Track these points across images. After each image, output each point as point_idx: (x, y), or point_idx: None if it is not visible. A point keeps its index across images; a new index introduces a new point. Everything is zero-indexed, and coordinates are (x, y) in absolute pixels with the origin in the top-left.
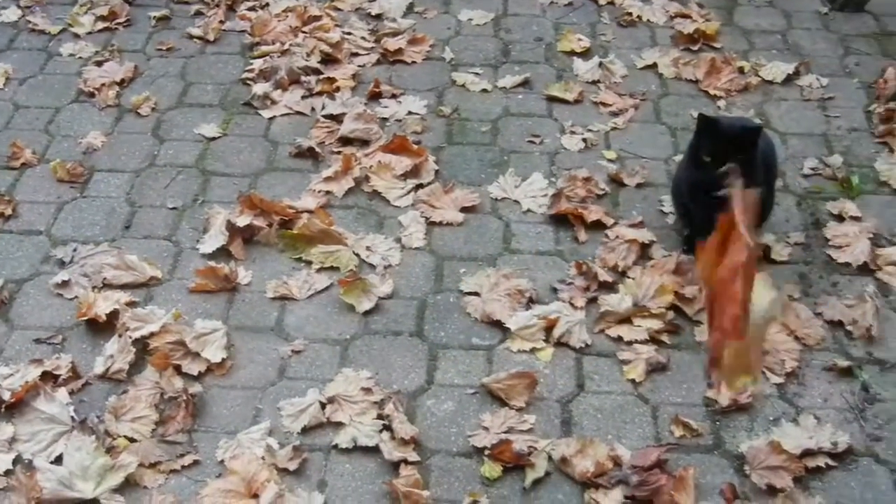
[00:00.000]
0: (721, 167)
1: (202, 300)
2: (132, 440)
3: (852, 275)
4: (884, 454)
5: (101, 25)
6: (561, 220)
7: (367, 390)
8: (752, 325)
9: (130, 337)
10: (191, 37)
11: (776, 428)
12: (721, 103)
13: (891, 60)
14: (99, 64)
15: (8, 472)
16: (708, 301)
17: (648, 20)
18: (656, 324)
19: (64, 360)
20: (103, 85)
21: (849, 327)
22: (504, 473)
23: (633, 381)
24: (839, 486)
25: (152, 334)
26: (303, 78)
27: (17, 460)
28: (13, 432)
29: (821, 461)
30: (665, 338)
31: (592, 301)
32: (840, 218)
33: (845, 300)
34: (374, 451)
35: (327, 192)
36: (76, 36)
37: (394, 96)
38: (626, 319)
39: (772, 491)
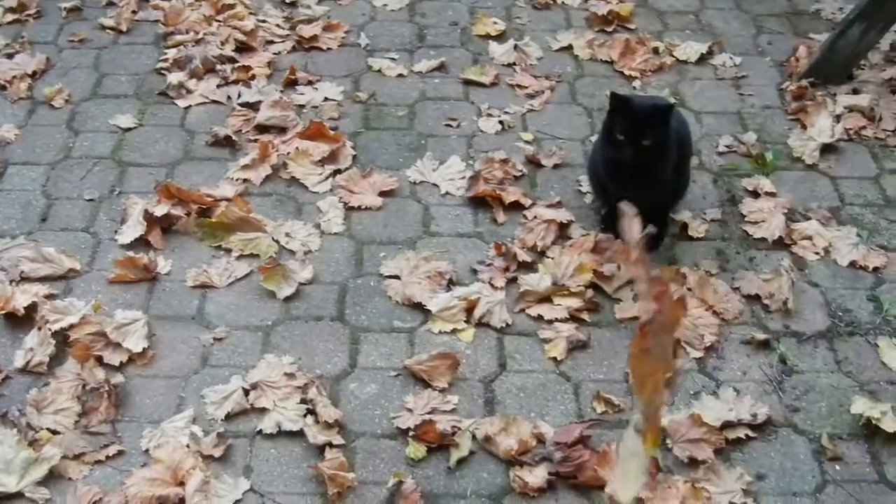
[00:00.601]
0: (635, 145)
1: (122, 291)
2: (55, 432)
3: (768, 249)
4: (802, 424)
5: (10, 17)
6: (479, 202)
7: (290, 375)
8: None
9: (50, 329)
10: (103, 27)
11: (696, 401)
12: (636, 83)
13: (802, 39)
14: (9, 56)
15: None
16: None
17: (563, 2)
18: (576, 302)
19: None
20: (15, 77)
21: (766, 301)
22: (429, 454)
23: (554, 359)
24: (759, 457)
25: (72, 326)
26: (218, 67)
27: None
28: None
29: (741, 433)
30: (585, 316)
31: (512, 281)
32: (755, 194)
33: (762, 274)
34: (299, 435)
35: (245, 180)
36: None
37: (310, 83)
38: (546, 298)
39: (693, 463)
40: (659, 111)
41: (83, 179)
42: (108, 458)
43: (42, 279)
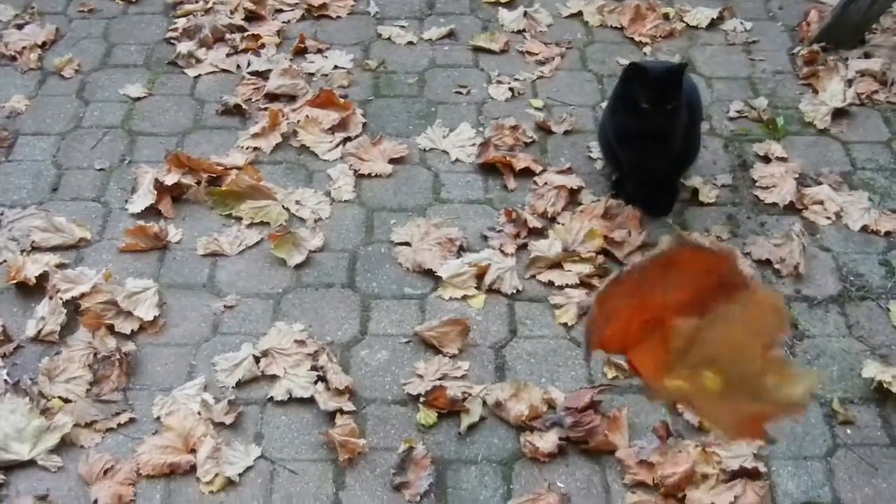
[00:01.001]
0: (660, 111)
1: (133, 259)
2: (67, 401)
3: (779, 214)
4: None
5: None
6: (490, 169)
7: (301, 343)
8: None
9: (61, 299)
10: None
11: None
12: (647, 50)
13: (814, 3)
14: (19, 27)
15: None
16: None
17: None
18: (586, 268)
19: None
20: (25, 48)
21: (777, 266)
22: (439, 420)
23: (565, 324)
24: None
25: (83, 295)
26: (227, 35)
27: None
28: None
29: None
30: (595, 281)
31: (523, 247)
32: (766, 159)
33: (773, 239)
34: (310, 402)
35: (255, 149)
36: None
37: (319, 51)
38: (556, 264)
39: (703, 428)
40: (676, 73)
41: (93, 149)
42: (119, 425)
43: (53, 249)
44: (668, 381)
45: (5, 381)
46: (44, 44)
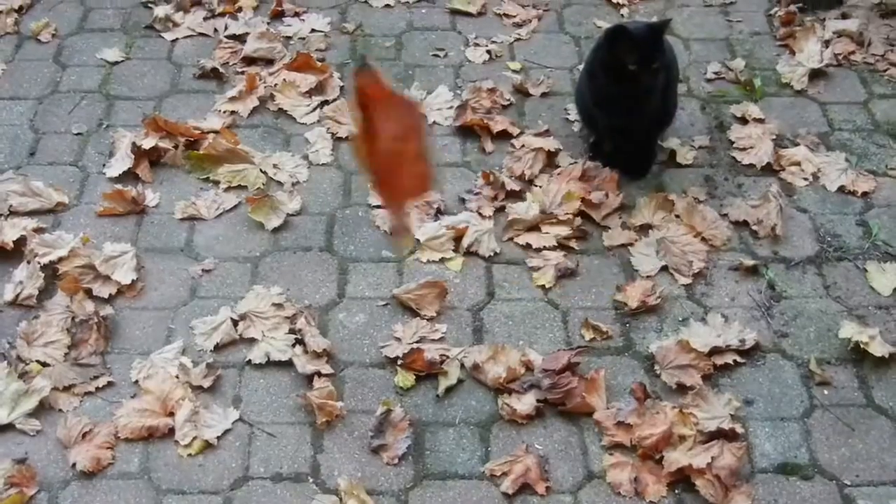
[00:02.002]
0: (647, 71)
1: (111, 224)
2: (45, 364)
3: (756, 176)
4: (790, 349)
5: None
6: (467, 132)
7: (279, 306)
8: None
9: (39, 263)
10: None
11: (684, 328)
12: (624, 11)
13: None
14: None
15: None
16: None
17: None
18: (564, 230)
19: None
20: (1, 12)
21: (754, 227)
22: (417, 382)
23: (542, 287)
24: (748, 382)
25: (61, 259)
26: None
27: None
28: None
29: (729, 358)
30: (573, 244)
31: (500, 210)
32: (743, 120)
33: (750, 201)
34: (288, 365)
35: (233, 112)
36: None
37: (296, 14)
38: (534, 227)
39: (682, 389)
40: (659, 31)
41: (71, 113)
42: (97, 389)
43: (31, 213)
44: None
45: None
46: (20, 8)
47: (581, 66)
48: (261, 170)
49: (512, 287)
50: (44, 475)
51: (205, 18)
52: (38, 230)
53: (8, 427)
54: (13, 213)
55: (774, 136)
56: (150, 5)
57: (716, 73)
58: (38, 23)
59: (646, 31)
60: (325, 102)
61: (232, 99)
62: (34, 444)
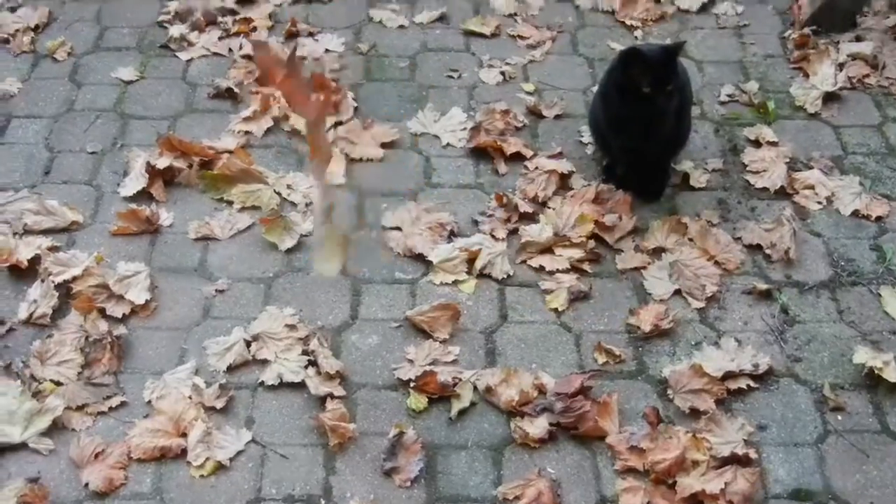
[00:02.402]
0: (662, 93)
1: (124, 243)
2: (58, 384)
3: (770, 199)
4: (804, 374)
5: None
6: (481, 154)
7: (292, 327)
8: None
9: (53, 281)
10: None
11: (698, 352)
12: (638, 34)
13: None
14: (12, 10)
15: None
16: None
17: None
18: (577, 253)
19: None
20: (17, 31)
21: (767, 251)
22: (430, 405)
23: (555, 309)
24: (761, 407)
25: (75, 278)
26: (219, 19)
27: None
28: None
29: (742, 383)
30: (586, 266)
31: (513, 232)
32: (757, 143)
33: (763, 224)
34: (301, 386)
35: (247, 132)
36: None
37: (311, 35)
38: (547, 249)
39: (695, 413)
40: (673, 53)
41: (86, 132)
42: (111, 409)
43: (45, 232)
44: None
45: None
46: (36, 27)
47: (595, 88)
48: (275, 190)
49: (525, 309)
50: (56, 495)
51: (219, 38)
52: (53, 249)
53: (21, 446)
54: (28, 231)
55: (788, 160)
56: (165, 25)
57: (729, 95)
58: (53, 41)
59: (660, 53)
60: (339, 123)
61: (246, 119)
62: (47, 463)
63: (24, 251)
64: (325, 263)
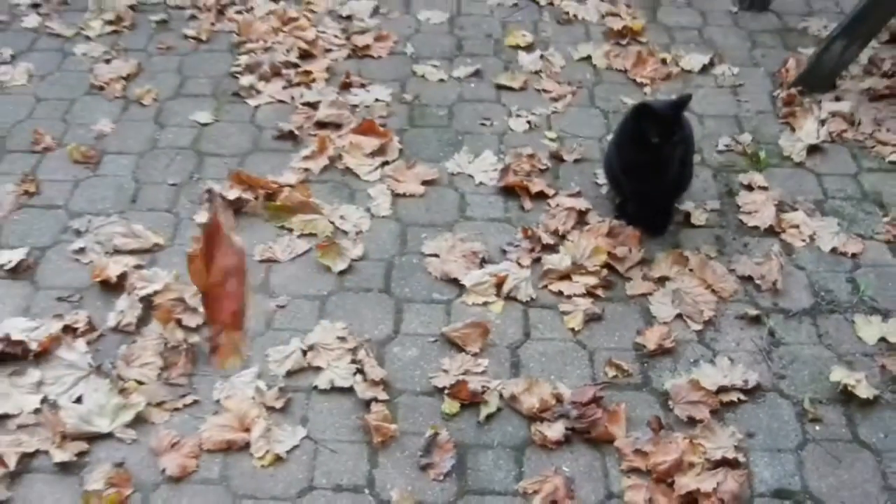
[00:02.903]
0: (669, 143)
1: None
2: (141, 383)
3: (760, 236)
4: (787, 390)
5: (109, 28)
6: (509, 191)
7: (342, 339)
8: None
9: (138, 295)
10: (186, 37)
11: (696, 368)
12: (647, 90)
13: (792, 52)
14: (108, 62)
15: (36, 411)
16: (204, 301)
17: (583, 18)
18: (592, 280)
19: (81, 315)
20: (111, 79)
21: (757, 281)
22: (462, 409)
23: (572, 329)
24: (750, 417)
25: (156, 292)
26: (283, 71)
27: (43, 400)
28: (40, 377)
29: (734, 396)
30: (600, 292)
31: (537, 261)
32: (750, 188)
33: (754, 258)
34: (349, 391)
35: (306, 169)
36: (88, 38)
37: (362, 86)
38: (566, 276)
39: (692, 422)
40: (680, 107)
41: (167, 167)
42: (185, 406)
43: (131, 252)
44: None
45: (90, 364)
46: (127, 76)
47: (609, 137)
48: (329, 220)
49: (545, 328)
50: (138, 478)
51: (283, 87)
52: (138, 267)
53: (108, 436)
54: (117, 251)
55: (776, 202)
56: (236, 75)
57: (726, 145)
58: (141, 89)
59: (668, 108)
60: (386, 163)
61: (305, 158)
62: (130, 451)
63: (114, 268)
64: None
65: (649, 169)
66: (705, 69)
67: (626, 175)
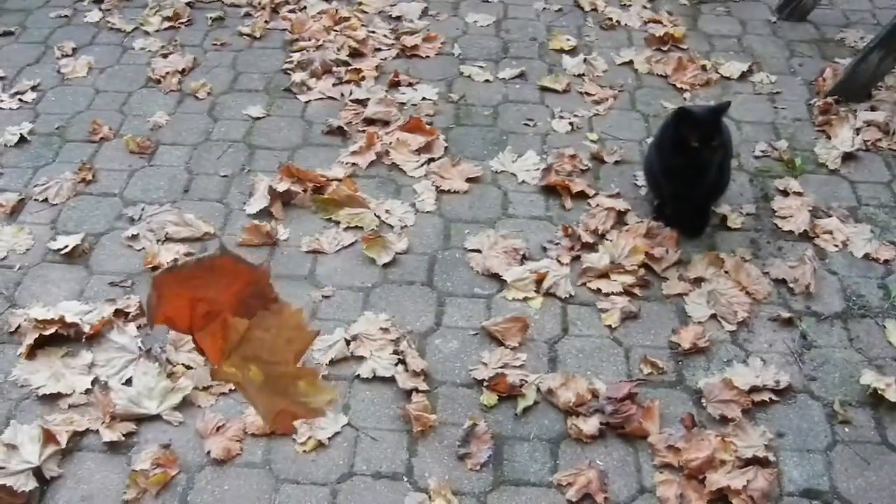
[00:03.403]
0: (708, 147)
1: (248, 253)
2: (188, 367)
3: (795, 241)
4: (818, 391)
5: (166, 24)
6: (550, 191)
7: (385, 330)
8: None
9: None
10: (241, 34)
11: (728, 368)
12: (686, 95)
13: (829, 62)
14: (165, 56)
15: (87, 391)
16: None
17: (626, 24)
18: (630, 279)
19: (133, 300)
20: (168, 73)
21: (791, 284)
22: (499, 402)
23: (609, 326)
24: (780, 418)
25: None
26: (334, 68)
27: (94, 382)
28: (91, 359)
29: (765, 396)
30: (637, 290)
31: (576, 259)
32: (785, 193)
33: (788, 262)
34: (391, 380)
35: (353, 164)
36: (146, 33)
37: (410, 84)
38: (604, 275)
39: (724, 420)
40: (719, 112)
41: (219, 159)
42: (230, 391)
43: (183, 240)
44: (226, 367)
45: (140, 348)
46: (183, 70)
47: (649, 140)
48: (375, 214)
49: (583, 325)
50: (184, 459)
51: (333, 84)
52: (188, 255)
53: (156, 417)
54: (168, 239)
55: (811, 208)
56: (288, 72)
57: (763, 151)
58: (196, 83)
59: (707, 113)
60: (432, 160)
61: (353, 153)
62: (177, 433)
63: (165, 255)
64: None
65: (688, 172)
66: (744, 76)
67: (666, 178)
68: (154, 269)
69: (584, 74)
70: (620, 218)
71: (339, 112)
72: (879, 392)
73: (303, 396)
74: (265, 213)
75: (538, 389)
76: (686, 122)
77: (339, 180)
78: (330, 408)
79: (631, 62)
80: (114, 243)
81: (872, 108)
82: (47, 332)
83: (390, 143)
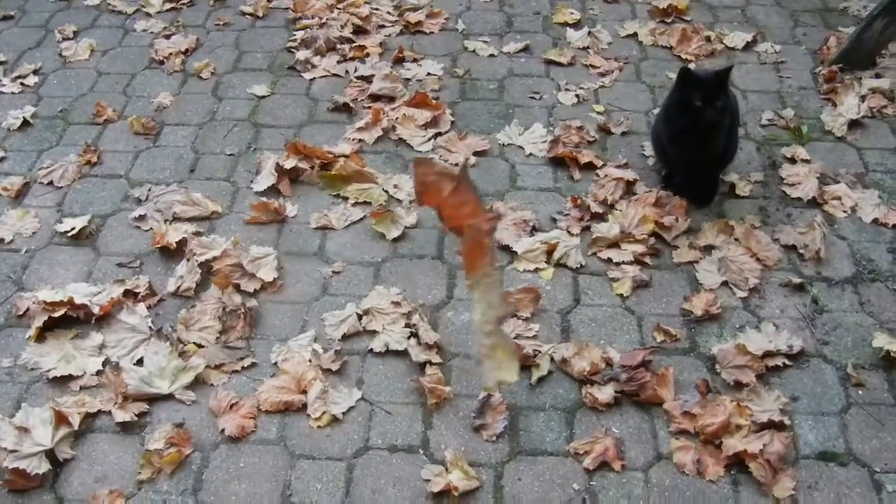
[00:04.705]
0: (712, 107)
1: (256, 230)
2: (200, 346)
3: (803, 207)
4: (830, 355)
5: (168, 5)
6: (558, 162)
7: (397, 304)
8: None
9: (197, 261)
10: (243, 13)
11: (741, 333)
12: (691, 66)
13: (832, 31)
14: (167, 37)
15: (99, 372)
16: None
17: None
18: (640, 248)
19: (142, 280)
20: (171, 54)
21: (801, 250)
22: None
23: (621, 295)
24: (794, 382)
25: (215, 258)
26: (338, 46)
27: (105, 362)
28: (102, 340)
29: (779, 361)
30: (647, 259)
31: (586, 229)
32: (792, 160)
33: (798, 228)
34: (404, 354)
35: (360, 140)
36: (148, 15)
37: (415, 60)
38: (614, 244)
39: (738, 385)
40: (724, 75)
41: (225, 138)
42: (243, 368)
43: (190, 219)
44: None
45: (150, 328)
46: (186, 50)
47: (655, 111)
48: (383, 189)
49: (595, 294)
50: (197, 438)
51: (338, 62)
52: (196, 234)
53: (169, 397)
54: (176, 218)
55: (819, 175)
56: (292, 50)
57: (769, 120)
58: (200, 63)
59: (710, 74)
60: (438, 134)
61: (359, 129)
62: (190, 411)
63: (173, 235)
64: (501, 372)
65: (695, 137)
66: (748, 47)
67: (674, 144)
68: (162, 248)
69: (588, 47)
70: (629, 188)
71: (345, 89)
72: (892, 354)
73: (496, 362)
74: (273, 191)
75: (552, 359)
76: (689, 82)
77: (346, 156)
78: (502, 385)
79: (635, 34)
80: (121, 224)
81: (877, 76)
82: (56, 315)
83: (396, 118)
